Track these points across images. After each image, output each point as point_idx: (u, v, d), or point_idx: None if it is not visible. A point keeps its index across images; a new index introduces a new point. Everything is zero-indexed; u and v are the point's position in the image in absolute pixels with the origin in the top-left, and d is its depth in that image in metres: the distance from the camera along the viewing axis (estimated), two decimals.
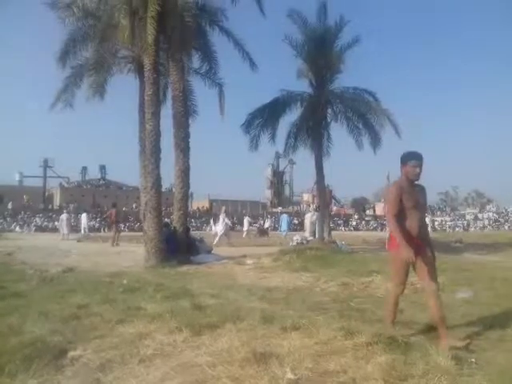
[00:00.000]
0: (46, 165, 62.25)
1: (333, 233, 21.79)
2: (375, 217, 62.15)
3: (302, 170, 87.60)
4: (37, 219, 43.22)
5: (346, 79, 24.27)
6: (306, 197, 69.50)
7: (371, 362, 3.47)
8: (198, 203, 60.17)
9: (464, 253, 15.53)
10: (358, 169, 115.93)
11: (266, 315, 5.04)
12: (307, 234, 20.29)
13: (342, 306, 6.06)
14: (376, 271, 9.18)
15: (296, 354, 3.71)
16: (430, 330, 4.55)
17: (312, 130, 19.21)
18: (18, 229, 39.09)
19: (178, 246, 12.89)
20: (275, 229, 40.83)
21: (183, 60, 14.01)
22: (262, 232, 32.47)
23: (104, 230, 38.79)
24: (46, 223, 42.10)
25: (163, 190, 15.08)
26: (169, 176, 14.15)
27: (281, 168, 77.11)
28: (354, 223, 57.07)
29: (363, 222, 58.44)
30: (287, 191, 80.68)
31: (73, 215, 41.74)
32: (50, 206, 52.93)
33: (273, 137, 19.05)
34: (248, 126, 18.76)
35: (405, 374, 3.28)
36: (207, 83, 16.60)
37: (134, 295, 6.76)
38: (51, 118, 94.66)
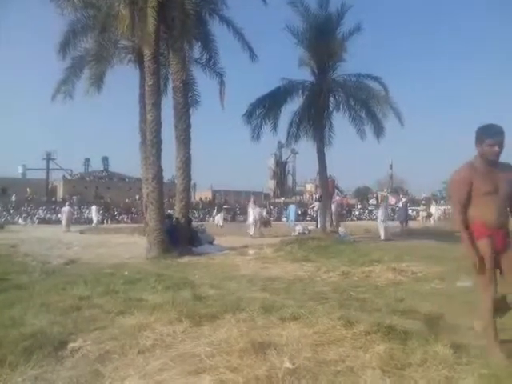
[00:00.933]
0: (48, 157, 62.38)
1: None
2: (379, 206, 61.88)
3: (305, 159, 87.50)
4: (40, 211, 43.33)
5: (351, 67, 24.04)
6: (309, 187, 69.51)
7: (369, 351, 3.49)
8: (201, 194, 60.19)
9: None
10: (360, 158, 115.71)
11: (266, 305, 5.06)
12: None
13: (342, 296, 6.07)
14: (377, 260, 9.21)
15: (295, 343, 3.72)
16: (430, 319, 4.55)
17: (314, 120, 19.13)
18: (21, 221, 39.18)
19: (180, 237, 12.91)
20: (277, 219, 40.82)
21: (184, 50, 13.91)
22: (265, 223, 32.52)
23: (107, 221, 38.91)
24: (49, 215, 42.18)
25: (166, 181, 15.10)
26: (171, 167, 14.14)
27: (284, 158, 76.91)
28: (357, 213, 56.93)
29: (366, 212, 58.28)
30: (290, 181, 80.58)
31: (76, 207, 41.92)
32: (53, 199, 53.01)
33: (274, 127, 18.99)
34: (249, 116, 18.69)
35: (403, 362, 3.29)
36: (208, 73, 16.49)
37: (135, 286, 6.79)
38: (53, 110, 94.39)
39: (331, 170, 20.88)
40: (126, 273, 8.26)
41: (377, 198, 66.88)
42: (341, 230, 18.44)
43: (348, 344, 3.71)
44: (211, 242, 14.58)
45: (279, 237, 17.43)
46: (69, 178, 64.38)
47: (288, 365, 3.25)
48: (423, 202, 42.85)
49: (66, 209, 27.62)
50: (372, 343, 3.67)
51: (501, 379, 3.00)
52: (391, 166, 74.13)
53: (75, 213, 38.35)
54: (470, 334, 4.07)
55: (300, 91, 19.23)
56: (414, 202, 45.33)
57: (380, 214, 18.22)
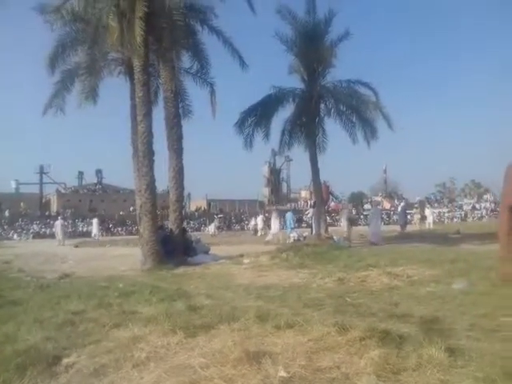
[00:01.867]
0: (41, 171, 62.15)
1: (330, 228, 21.82)
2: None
3: (299, 166, 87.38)
4: (34, 226, 43.17)
5: (343, 73, 24.22)
6: (304, 193, 69.53)
7: (364, 357, 3.47)
8: (196, 203, 60.15)
9: (461, 243, 15.53)
10: (355, 164, 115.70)
11: (261, 314, 5.04)
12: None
13: (338, 302, 6.05)
14: (372, 265, 9.20)
15: (289, 351, 3.71)
16: (425, 322, 4.55)
17: (305, 127, 19.22)
18: (15, 236, 39.02)
19: (175, 248, 12.88)
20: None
21: (174, 60, 13.96)
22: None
23: (102, 234, 38.77)
24: (43, 230, 42.02)
25: (160, 191, 15.05)
26: (165, 178, 14.15)
27: (278, 165, 76.95)
28: None
29: (361, 217, 58.40)
30: (285, 188, 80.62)
31: (70, 221, 41.75)
32: (47, 213, 52.79)
33: (266, 135, 19.05)
34: (241, 124, 18.75)
35: (398, 367, 3.27)
36: (198, 83, 16.51)
37: (129, 299, 6.74)
38: (45, 124, 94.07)
39: (326, 175, 21.10)
40: (121, 285, 8.21)
41: (371, 203, 67.01)
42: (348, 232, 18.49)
43: (343, 350, 3.69)
44: (207, 252, 14.54)
45: (273, 244, 17.44)
46: (62, 191, 64.14)
47: (283, 373, 3.23)
48: (416, 205, 43.02)
49: (58, 222, 27.56)
50: (367, 348, 3.65)
51: (496, 382, 2.99)
52: (385, 170, 74.47)
53: (69, 226, 38.20)
54: (465, 337, 4.08)
55: (291, 99, 19.33)
56: (408, 205, 45.50)
57: (370, 218, 18.49)
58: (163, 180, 17.02)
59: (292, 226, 26.87)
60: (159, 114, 14.59)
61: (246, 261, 12.17)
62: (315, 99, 18.70)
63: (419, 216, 34.74)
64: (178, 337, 4.36)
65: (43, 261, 14.60)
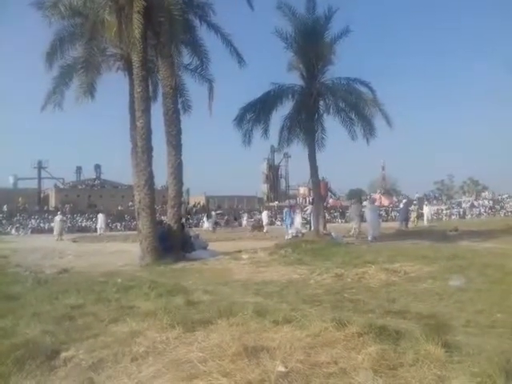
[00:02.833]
0: (40, 166, 62.07)
1: (329, 225, 21.86)
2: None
3: (298, 162, 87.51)
4: (32, 221, 43.13)
5: (342, 70, 24.22)
6: (303, 190, 69.55)
7: (362, 353, 3.49)
8: (195, 199, 60.08)
9: (459, 241, 15.58)
10: (354, 160, 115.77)
11: (259, 309, 5.06)
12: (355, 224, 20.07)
13: (336, 298, 6.08)
14: (370, 262, 9.22)
15: (287, 346, 3.72)
16: (422, 318, 4.58)
17: (304, 123, 19.17)
18: (13, 231, 38.97)
19: (173, 243, 12.88)
20: (272, 223, 40.83)
21: (173, 56, 13.93)
22: (257, 227, 32.94)
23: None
24: (41, 225, 41.99)
25: (159, 187, 15.05)
26: (164, 173, 14.16)
27: (277, 162, 77.02)
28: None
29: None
30: (283, 185, 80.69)
31: (68, 216, 41.70)
32: (45, 208, 52.74)
33: (265, 131, 18.97)
34: (240, 120, 18.69)
35: (395, 363, 3.30)
36: (197, 79, 16.48)
37: (128, 294, 6.76)
38: (44, 119, 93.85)
39: (325, 172, 21.21)
40: (119, 280, 8.22)
41: (369, 201, 67.00)
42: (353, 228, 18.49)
43: (340, 346, 3.71)
44: (205, 248, 14.56)
45: (271, 240, 17.46)
46: (61, 186, 64.09)
47: (280, 368, 3.25)
48: (414, 202, 43.05)
49: (58, 218, 27.59)
50: (364, 344, 3.68)
51: (493, 377, 3.01)
52: (383, 167, 74.64)
53: (68, 221, 38.18)
54: (462, 333, 4.10)
55: (290, 95, 19.25)
56: (410, 202, 45.47)
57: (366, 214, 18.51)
58: (162, 176, 17.05)
59: (291, 222, 27.03)
60: (158, 109, 14.58)
61: (244, 256, 12.19)
62: (314, 96, 18.65)
63: (415, 214, 34.82)
64: (176, 331, 4.37)
65: (41, 256, 14.58)
